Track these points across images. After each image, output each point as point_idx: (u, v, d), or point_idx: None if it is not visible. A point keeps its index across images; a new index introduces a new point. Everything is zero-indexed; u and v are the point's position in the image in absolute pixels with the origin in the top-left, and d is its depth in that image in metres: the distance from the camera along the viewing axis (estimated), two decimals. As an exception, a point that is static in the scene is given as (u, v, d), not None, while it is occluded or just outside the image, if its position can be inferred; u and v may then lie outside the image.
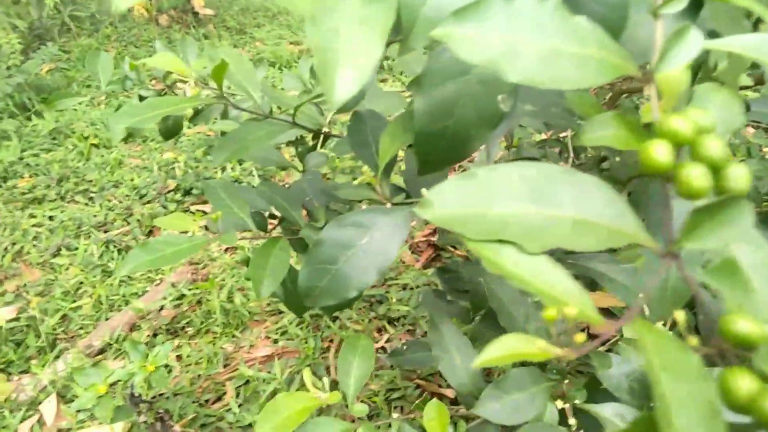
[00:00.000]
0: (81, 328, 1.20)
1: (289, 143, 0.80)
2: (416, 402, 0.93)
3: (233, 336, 1.15)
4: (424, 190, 0.23)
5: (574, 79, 0.25)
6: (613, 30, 0.35)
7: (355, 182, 0.35)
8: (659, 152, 0.22)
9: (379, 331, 1.12)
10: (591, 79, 0.26)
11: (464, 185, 0.23)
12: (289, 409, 0.43)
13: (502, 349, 0.19)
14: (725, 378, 0.17)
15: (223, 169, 1.72)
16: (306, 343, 1.09)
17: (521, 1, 0.26)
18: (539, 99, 0.46)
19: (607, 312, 1.03)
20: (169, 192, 1.65)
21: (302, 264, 0.34)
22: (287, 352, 1.09)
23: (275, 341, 1.13)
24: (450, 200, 0.23)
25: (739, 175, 0.22)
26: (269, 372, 1.03)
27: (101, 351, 1.14)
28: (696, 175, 0.21)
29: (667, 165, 0.22)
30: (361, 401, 0.94)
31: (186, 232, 0.51)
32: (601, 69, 0.26)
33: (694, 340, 0.18)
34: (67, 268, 1.38)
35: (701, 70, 0.38)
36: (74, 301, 1.27)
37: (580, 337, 0.18)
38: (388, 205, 0.35)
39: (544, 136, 0.92)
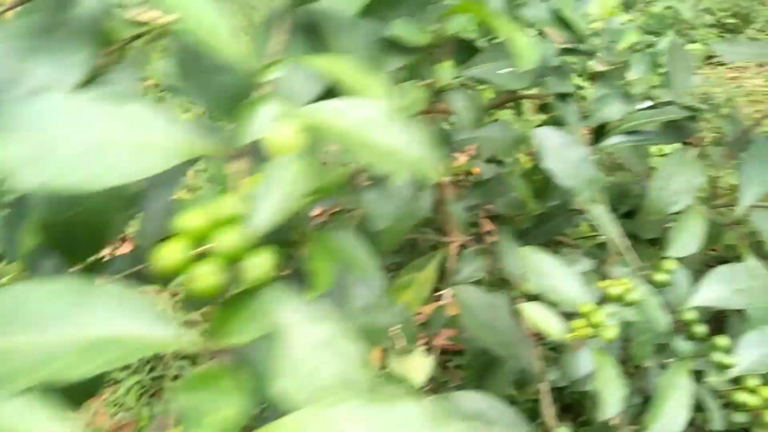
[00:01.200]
0: None
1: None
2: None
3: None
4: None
5: (129, 171, 0.23)
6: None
7: None
8: (166, 256, 0.20)
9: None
10: (152, 167, 0.23)
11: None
12: None
13: None
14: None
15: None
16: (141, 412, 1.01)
17: (48, 99, 0.23)
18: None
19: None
20: None
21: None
22: (125, 426, 1.00)
23: (113, 415, 1.03)
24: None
25: (256, 266, 0.20)
26: (98, 455, 0.93)
27: None
28: (197, 276, 0.20)
29: (175, 267, 0.20)
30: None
31: None
32: (165, 154, 0.24)
33: None
34: None
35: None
36: None
37: None
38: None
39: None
